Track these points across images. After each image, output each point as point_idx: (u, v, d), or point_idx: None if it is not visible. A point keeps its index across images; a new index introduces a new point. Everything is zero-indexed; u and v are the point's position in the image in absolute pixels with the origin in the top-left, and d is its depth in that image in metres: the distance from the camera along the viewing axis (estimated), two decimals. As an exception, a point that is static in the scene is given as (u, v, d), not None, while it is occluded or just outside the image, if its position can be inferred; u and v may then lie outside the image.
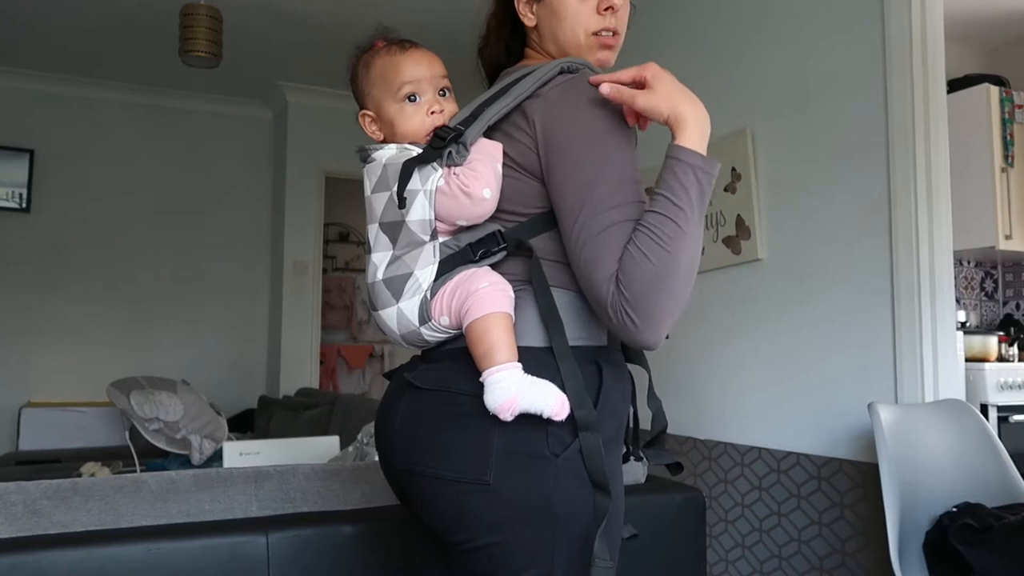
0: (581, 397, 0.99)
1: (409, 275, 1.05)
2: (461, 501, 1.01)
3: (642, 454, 1.21)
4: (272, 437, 3.72)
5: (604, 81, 1.03)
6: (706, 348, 2.96)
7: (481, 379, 0.98)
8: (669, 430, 3.01)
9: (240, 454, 2.35)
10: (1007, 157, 3.24)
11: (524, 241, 1.04)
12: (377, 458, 1.60)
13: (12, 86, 4.63)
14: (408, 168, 1.04)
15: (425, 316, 1.04)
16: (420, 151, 1.06)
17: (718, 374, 2.92)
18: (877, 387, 2.30)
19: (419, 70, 1.10)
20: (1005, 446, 2.09)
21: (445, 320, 1.03)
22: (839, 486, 2.41)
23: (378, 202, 1.08)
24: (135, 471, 2.80)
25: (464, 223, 1.05)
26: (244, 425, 4.54)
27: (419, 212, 1.04)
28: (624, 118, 1.03)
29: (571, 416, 0.99)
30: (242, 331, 5.12)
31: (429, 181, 1.04)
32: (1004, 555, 1.78)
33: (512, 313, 1.01)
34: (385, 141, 1.13)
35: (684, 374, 3.04)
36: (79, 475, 2.91)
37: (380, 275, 1.07)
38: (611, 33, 1.14)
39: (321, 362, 5.36)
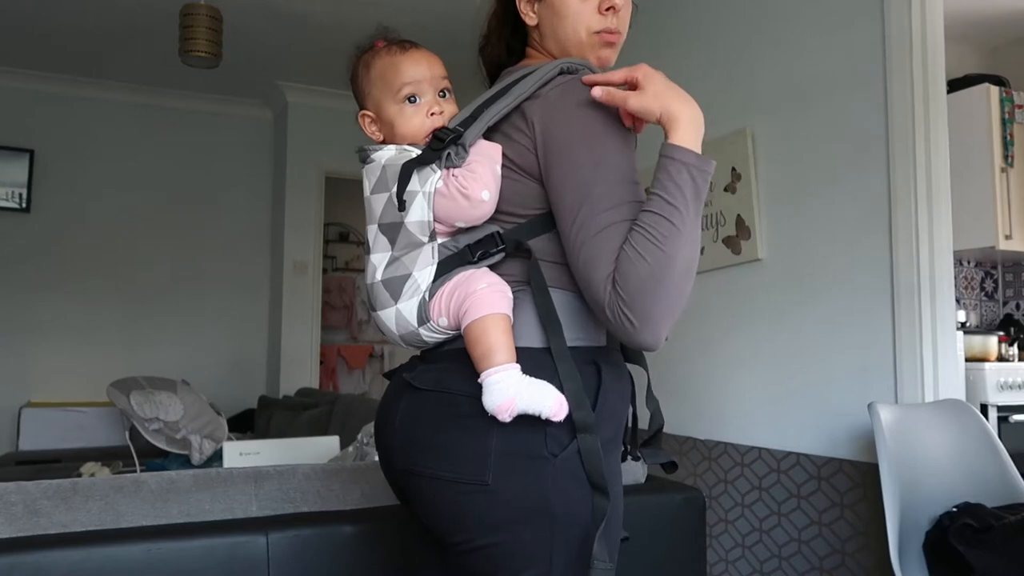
0: (579, 398, 0.99)
1: (408, 276, 1.05)
2: (460, 502, 1.01)
3: (639, 453, 1.21)
4: (272, 437, 3.72)
5: (597, 82, 1.03)
6: (706, 348, 2.96)
7: (479, 380, 0.98)
8: (669, 430, 3.03)
9: (240, 454, 2.35)
10: (1007, 157, 3.24)
11: (523, 242, 1.04)
12: (377, 458, 1.60)
13: (12, 86, 4.63)
14: (407, 170, 1.04)
15: (424, 317, 1.04)
16: (419, 152, 1.06)
17: (718, 374, 2.92)
18: (877, 387, 2.30)
19: (419, 71, 1.10)
20: (1005, 446, 2.09)
21: (444, 321, 1.03)
22: (839, 486, 2.41)
23: (377, 203, 1.08)
24: (135, 471, 2.80)
25: (463, 225, 1.05)
26: (244, 425, 4.54)
27: (418, 214, 1.04)
28: (622, 119, 1.03)
29: (569, 417, 0.99)
30: (242, 331, 5.12)
31: (428, 183, 1.04)
32: (1004, 555, 1.78)
33: (510, 314, 1.01)
34: (385, 142, 1.13)
35: (684, 374, 3.04)
36: (79, 475, 2.91)
37: (379, 276, 1.07)
38: (612, 32, 1.14)
39: (321, 362, 5.36)
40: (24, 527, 1.37)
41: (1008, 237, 3.23)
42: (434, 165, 1.04)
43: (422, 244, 1.05)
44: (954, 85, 3.23)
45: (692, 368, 3.02)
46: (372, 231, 1.09)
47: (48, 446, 4.28)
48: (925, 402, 2.17)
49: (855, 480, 2.36)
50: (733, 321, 2.86)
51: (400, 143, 1.10)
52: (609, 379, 1.06)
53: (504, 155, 1.05)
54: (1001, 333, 3.26)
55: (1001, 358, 3.16)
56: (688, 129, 0.98)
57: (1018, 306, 3.80)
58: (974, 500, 1.97)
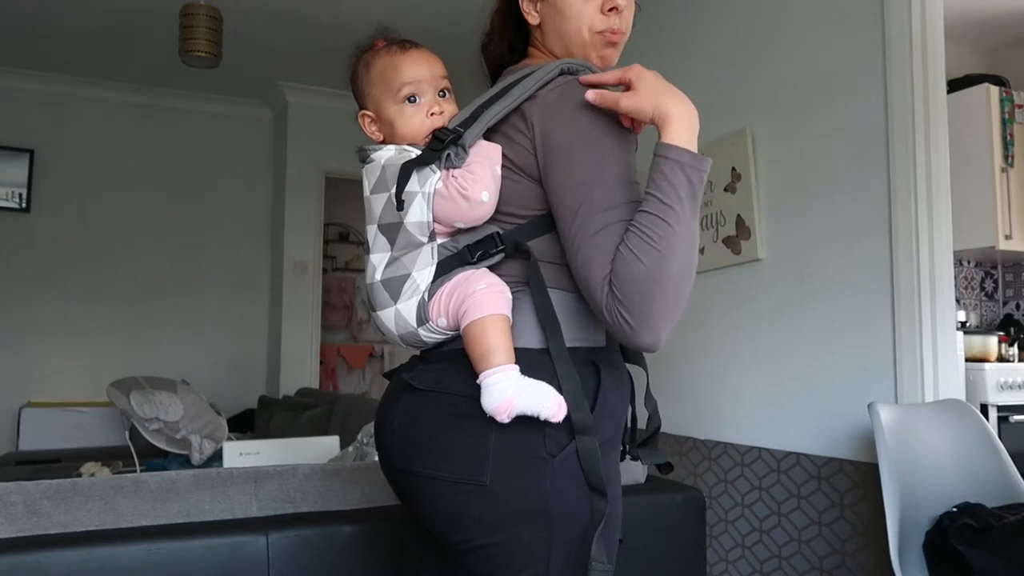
0: (578, 399, 0.99)
1: (407, 276, 1.05)
2: (459, 502, 1.01)
3: (636, 454, 1.21)
4: (272, 437, 3.72)
5: (592, 83, 1.03)
6: (706, 348, 2.96)
7: (478, 381, 0.98)
8: (670, 430, 3.03)
9: (240, 454, 2.35)
10: (1007, 157, 3.24)
11: (522, 243, 1.04)
12: (377, 458, 1.60)
13: (12, 86, 4.63)
14: (406, 170, 1.04)
15: (423, 317, 1.04)
16: (419, 153, 1.06)
17: (718, 374, 2.92)
18: (877, 387, 2.30)
19: (419, 71, 1.10)
20: (1005, 446, 2.09)
21: (443, 322, 1.03)
22: (839, 486, 2.41)
23: (377, 203, 1.08)
24: (135, 471, 2.80)
25: (462, 225, 1.05)
26: (244, 425, 4.54)
27: (417, 214, 1.03)
28: (620, 120, 1.03)
29: (568, 417, 0.98)
30: (242, 331, 5.12)
31: (427, 183, 1.03)
32: (1004, 555, 1.78)
33: (509, 315, 1.01)
34: (384, 142, 1.13)
35: (684, 374, 3.04)
36: (79, 475, 2.91)
37: (378, 276, 1.07)
38: (615, 32, 1.14)
39: (321, 362, 5.36)
40: (24, 527, 1.37)
41: (1008, 237, 3.23)
42: (434, 166, 1.04)
43: (421, 244, 1.05)
44: (954, 85, 3.23)
45: (692, 368, 3.02)
46: (372, 231, 1.09)
47: (48, 446, 4.28)
48: (925, 402, 2.17)
49: (855, 480, 2.36)
50: (733, 321, 2.86)
51: (400, 143, 1.10)
52: (608, 380, 1.06)
53: (504, 156, 1.05)
54: (1001, 333, 3.26)
55: (1001, 358, 3.16)
56: (682, 127, 0.97)
57: (1018, 306, 3.80)
58: (974, 500, 1.97)
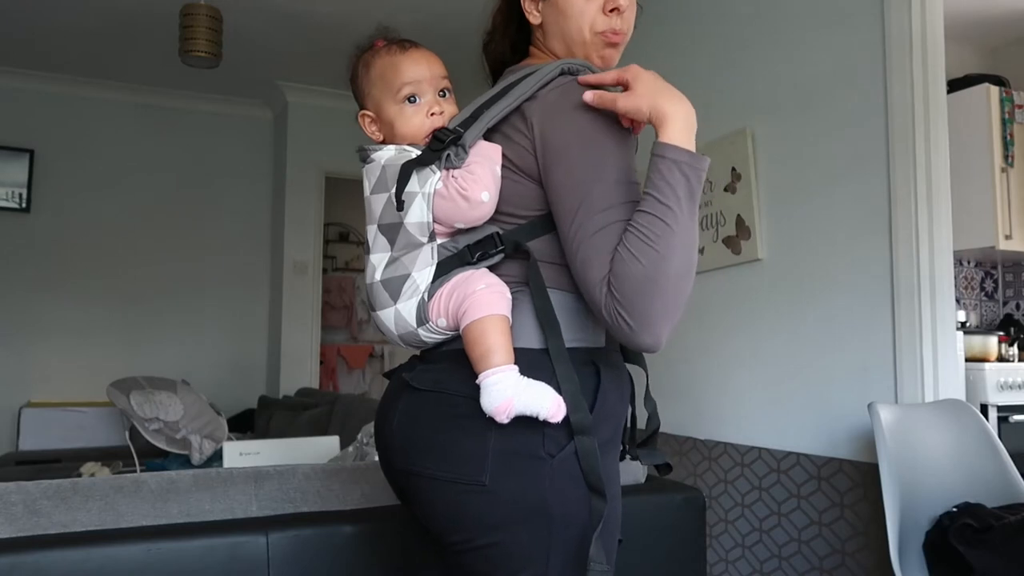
0: (577, 400, 0.99)
1: (407, 276, 1.05)
2: (458, 502, 1.01)
3: (635, 453, 1.21)
4: (272, 437, 3.72)
5: (590, 83, 1.03)
6: (706, 348, 2.96)
7: (477, 381, 0.98)
8: (670, 430, 3.03)
9: (240, 454, 2.35)
10: (1007, 157, 3.24)
11: (522, 244, 1.04)
12: (377, 458, 1.60)
13: (12, 86, 4.63)
14: (406, 170, 1.04)
15: (423, 318, 1.04)
16: (419, 153, 1.06)
17: (718, 374, 2.92)
18: (877, 387, 2.30)
19: (419, 71, 1.10)
20: (1005, 446, 2.09)
21: (443, 322, 1.03)
22: (839, 486, 2.41)
23: (377, 203, 1.08)
24: (135, 471, 2.80)
25: (462, 226, 1.05)
26: (244, 425, 4.54)
27: (417, 214, 1.03)
28: (619, 119, 1.03)
29: (567, 418, 0.98)
30: (242, 331, 5.12)
31: (427, 184, 1.03)
32: (1004, 555, 1.78)
33: (509, 315, 1.01)
34: (385, 142, 1.13)
35: (684, 374, 3.04)
36: (79, 475, 2.91)
37: (378, 276, 1.07)
38: (617, 32, 1.14)
39: (321, 362, 5.36)
40: (24, 527, 1.37)
41: (1008, 237, 3.23)
42: (433, 166, 1.04)
43: (421, 245, 1.05)
44: (954, 85, 3.23)
45: (692, 368, 3.02)
46: (372, 231, 1.09)
47: (48, 446, 4.28)
48: (925, 402, 2.17)
49: (855, 480, 2.36)
50: (733, 321, 2.86)
51: (400, 143, 1.10)
52: (608, 380, 1.06)
53: (504, 156, 1.05)
54: (1001, 333, 3.26)
55: (1001, 358, 3.16)
56: (679, 126, 0.97)
57: (1018, 306, 3.80)
58: (974, 500, 1.97)
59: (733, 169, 2.83)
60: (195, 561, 1.40)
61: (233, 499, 1.53)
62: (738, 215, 2.82)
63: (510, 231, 1.06)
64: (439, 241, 1.05)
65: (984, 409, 2.80)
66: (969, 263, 3.77)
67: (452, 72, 1.15)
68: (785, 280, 2.66)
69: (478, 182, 1.02)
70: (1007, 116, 3.26)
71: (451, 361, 1.04)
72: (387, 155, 1.08)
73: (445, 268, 1.04)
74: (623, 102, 0.99)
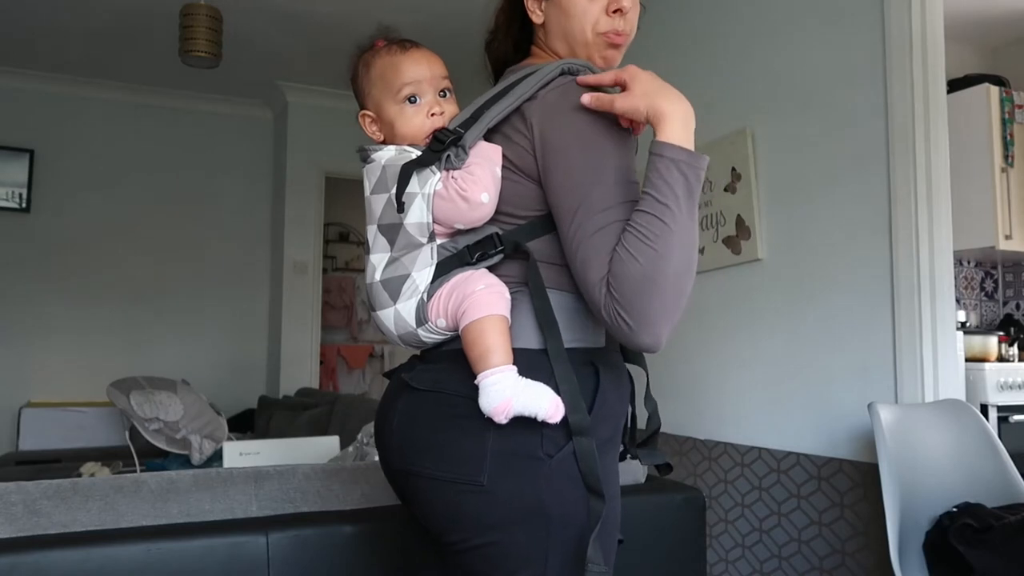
0: (575, 401, 0.99)
1: (407, 277, 1.05)
2: (456, 502, 1.01)
3: (636, 453, 1.21)
4: (272, 437, 3.72)
5: (588, 84, 1.03)
6: (706, 348, 2.96)
7: (476, 382, 0.98)
8: (669, 430, 3.03)
9: (240, 454, 2.35)
10: (1007, 157, 3.24)
11: (521, 244, 1.04)
12: (377, 458, 1.60)
13: (12, 86, 4.63)
14: (406, 171, 1.04)
15: (422, 318, 1.04)
16: (419, 153, 1.06)
17: (718, 374, 2.92)
18: (877, 387, 2.30)
19: (419, 71, 1.10)
20: (1005, 446, 2.09)
21: (442, 322, 1.03)
22: (839, 486, 2.41)
23: (377, 203, 1.08)
24: (135, 471, 2.80)
25: (462, 227, 1.05)
26: (244, 425, 4.54)
27: (417, 215, 1.03)
28: (619, 120, 1.03)
29: (566, 418, 0.98)
30: (242, 331, 5.12)
31: (427, 185, 1.03)
32: (1004, 555, 1.78)
33: (508, 316, 1.01)
34: (385, 142, 1.13)
35: (684, 374, 3.04)
36: (79, 475, 2.91)
37: (378, 276, 1.07)
38: (619, 33, 1.14)
39: (321, 362, 5.36)
40: (24, 527, 1.37)
41: (1008, 237, 3.23)
42: (433, 167, 1.04)
43: (421, 245, 1.05)
44: (954, 85, 3.23)
45: (692, 368, 3.02)
46: (372, 231, 1.09)
47: (48, 446, 4.28)
48: (925, 402, 2.17)
49: (855, 480, 2.36)
50: (733, 321, 2.86)
51: (400, 143, 1.10)
52: (607, 380, 1.06)
53: (504, 156, 1.05)
54: (1001, 333, 3.26)
55: (1001, 358, 3.16)
56: (677, 125, 0.97)
57: (1018, 306, 3.80)
58: (974, 500, 1.97)
59: (733, 169, 2.83)
60: (195, 561, 1.40)
61: (233, 499, 1.53)
62: (738, 215, 2.82)
63: (509, 231, 1.06)
64: (439, 241, 1.05)
65: (984, 409, 2.80)
66: (969, 263, 3.77)
67: (453, 72, 1.15)
68: (785, 280, 2.66)
69: (478, 183, 1.02)
70: (1007, 116, 3.26)
71: (450, 361, 1.04)
72: (387, 155, 1.08)
73: (445, 268, 1.04)
74: (621, 103, 0.99)
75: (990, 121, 3.24)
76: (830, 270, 2.49)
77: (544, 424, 0.98)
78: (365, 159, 1.11)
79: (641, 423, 1.22)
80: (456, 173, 1.03)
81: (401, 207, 1.03)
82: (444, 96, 1.12)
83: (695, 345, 3.00)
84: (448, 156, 1.03)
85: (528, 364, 1.00)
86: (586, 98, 1.01)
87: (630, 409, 1.19)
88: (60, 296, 4.68)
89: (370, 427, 2.19)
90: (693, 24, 3.11)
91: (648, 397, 1.17)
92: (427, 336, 1.06)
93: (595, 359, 1.07)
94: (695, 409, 3.00)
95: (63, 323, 4.68)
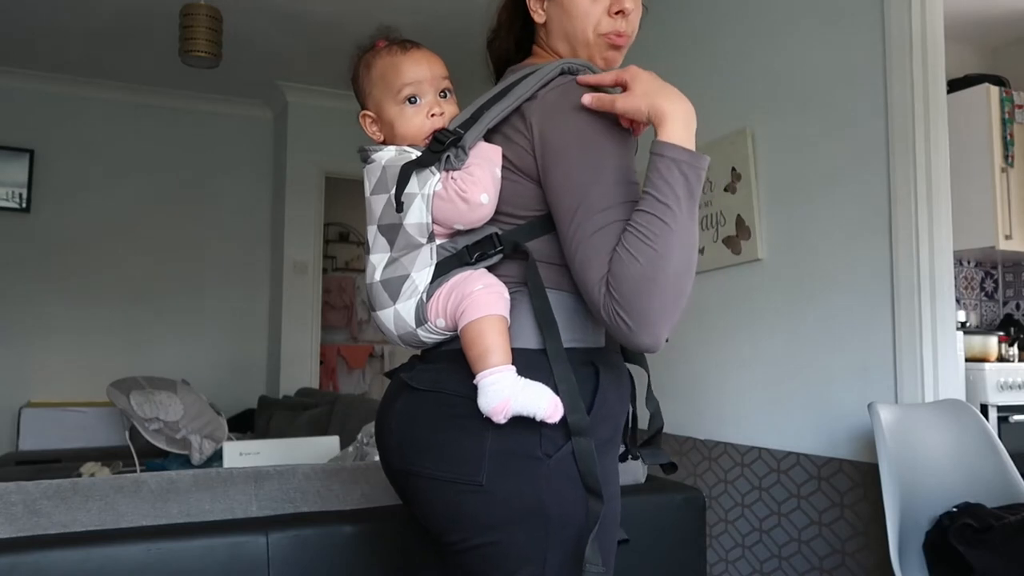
0: (574, 401, 0.99)
1: (406, 277, 1.05)
2: (456, 501, 1.01)
3: (638, 453, 1.21)
4: (272, 437, 3.72)
5: (589, 83, 1.03)
6: (706, 348, 2.96)
7: (475, 382, 0.98)
8: (669, 430, 3.03)
9: (240, 454, 2.35)
10: (1007, 157, 3.24)
11: (520, 244, 1.04)
12: (377, 458, 1.60)
13: (12, 86, 4.63)
14: (406, 172, 1.04)
15: (421, 318, 1.04)
16: (419, 154, 1.06)
17: (718, 374, 2.92)
18: (877, 387, 2.30)
19: (420, 71, 1.10)
20: (1005, 446, 2.09)
21: (441, 322, 1.03)
22: (839, 486, 2.41)
23: (377, 204, 1.08)
24: (135, 471, 2.80)
25: (461, 227, 1.05)
26: (244, 425, 4.54)
27: (416, 216, 1.03)
28: (619, 120, 1.03)
29: (565, 418, 0.98)
30: (242, 331, 5.12)
31: (427, 185, 1.03)
32: (1004, 555, 1.78)
33: (507, 316, 1.01)
34: (385, 142, 1.13)
35: (684, 374, 3.04)
36: (79, 475, 2.91)
37: (378, 276, 1.07)
38: (621, 35, 1.14)
39: (321, 362, 5.36)
40: (24, 527, 1.37)
41: (1008, 237, 3.23)
42: (433, 167, 1.04)
43: (420, 245, 1.05)
44: (954, 85, 3.23)
45: (692, 368, 3.02)
46: (372, 231, 1.09)
47: (48, 446, 4.27)
48: (925, 402, 2.17)
49: (855, 480, 2.36)
50: (733, 321, 2.86)
51: (400, 144, 1.10)
52: (607, 380, 1.06)
53: (504, 156, 1.05)
54: (1001, 333, 3.26)
55: (1001, 358, 3.16)
56: (678, 125, 0.97)
57: (1018, 306, 3.80)
58: (974, 500, 1.97)
59: (733, 169, 2.83)
60: (195, 561, 1.40)
61: (233, 499, 1.53)
62: (738, 215, 2.82)
63: (509, 231, 1.06)
64: (438, 242, 1.05)
65: (984, 409, 2.80)
66: (969, 263, 3.77)
67: (453, 72, 1.15)
68: (785, 280, 2.66)
69: (477, 184, 1.02)
70: (1007, 116, 3.26)
71: (450, 361, 1.04)
72: (387, 156, 1.08)
73: (444, 268, 1.04)
74: (622, 103, 0.99)
75: (990, 121, 3.24)
76: (830, 270, 2.49)
77: (543, 424, 0.98)
78: (365, 159, 1.11)
79: (642, 423, 1.22)
80: (456, 174, 1.03)
81: (400, 207, 1.03)
82: (444, 96, 1.12)
83: (695, 345, 3.00)
84: (448, 157, 1.03)
85: (527, 364, 1.00)
86: (587, 98, 1.01)
87: (630, 409, 1.19)
88: (60, 296, 4.68)
89: (370, 427, 2.19)
90: (693, 24, 3.11)
91: (650, 397, 1.17)
92: (426, 336, 1.06)
93: (595, 359, 1.07)
94: (695, 409, 3.00)
95: (63, 323, 4.68)
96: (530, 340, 1.03)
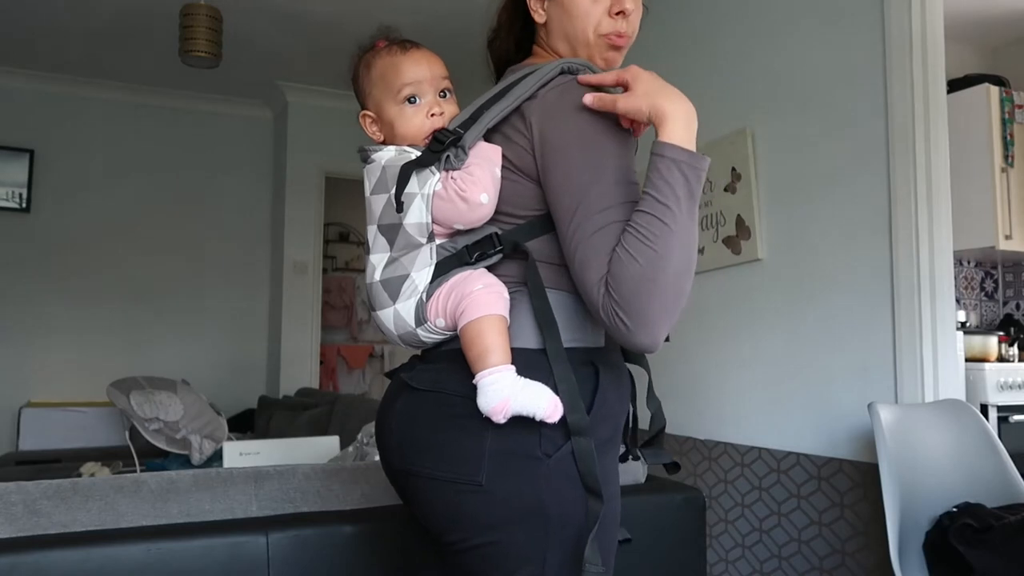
0: (574, 401, 0.99)
1: (406, 277, 1.05)
2: (456, 501, 1.01)
3: (640, 453, 1.21)
4: (272, 437, 3.72)
5: (590, 83, 1.03)
6: (706, 348, 2.96)
7: (474, 381, 0.98)
8: (669, 430, 3.03)
9: (240, 454, 2.35)
10: (1007, 157, 3.24)
11: (520, 244, 1.04)
12: (377, 458, 1.60)
13: (12, 86, 4.63)
14: (406, 172, 1.04)
15: (421, 318, 1.04)
16: (419, 154, 1.06)
17: (718, 374, 2.92)
18: (877, 387, 2.30)
19: (419, 71, 1.10)
20: (1005, 446, 2.09)
21: (441, 322, 1.03)
22: (839, 486, 2.41)
23: (377, 204, 1.08)
24: (135, 471, 2.80)
25: (461, 227, 1.05)
26: (244, 425, 4.54)
27: (416, 216, 1.03)
28: (619, 120, 1.03)
29: (564, 418, 0.98)
30: (242, 331, 5.12)
31: (427, 185, 1.03)
32: (1004, 555, 1.78)
33: (507, 315, 1.01)
34: (385, 142, 1.13)
35: (684, 374, 3.04)
36: (79, 475, 2.91)
37: (378, 276, 1.07)
38: (621, 35, 1.14)
39: (321, 362, 5.36)
40: (24, 527, 1.37)
41: (1008, 237, 3.23)
42: (433, 167, 1.04)
43: (420, 245, 1.05)
44: (954, 85, 3.23)
45: (692, 368, 3.02)
46: (372, 231, 1.09)
47: (48, 446, 4.28)
48: (925, 402, 2.17)
49: (855, 480, 2.36)
50: (733, 321, 2.86)
51: (400, 144, 1.10)
52: (607, 380, 1.06)
53: (503, 156, 1.05)
54: (1001, 333, 3.26)
55: (1001, 358, 3.16)
56: (679, 125, 0.96)
57: (1018, 306, 3.80)
58: (974, 500, 1.97)
59: (733, 169, 2.83)
60: (195, 561, 1.40)
61: (233, 499, 1.53)
62: (738, 215, 2.82)
63: (509, 231, 1.06)
64: (438, 242, 1.05)
65: (984, 409, 2.80)
66: (969, 263, 3.77)
67: (453, 72, 1.15)
68: (785, 280, 2.66)
69: (477, 184, 1.02)
70: (1007, 116, 3.26)
71: (449, 361, 1.04)
72: (387, 156, 1.08)
73: (444, 268, 1.04)
74: (623, 103, 0.98)
75: (990, 121, 3.24)
76: (830, 270, 2.49)
77: (543, 424, 0.98)
78: (365, 159, 1.11)
79: (643, 423, 1.21)
80: (455, 174, 1.03)
81: (400, 207, 1.03)
82: (444, 96, 1.12)
83: (695, 345, 3.00)
84: (447, 157, 1.03)
85: (527, 364, 1.00)
86: (588, 98, 1.01)
87: (631, 409, 1.19)
88: (60, 296, 4.68)
89: (370, 427, 2.19)
90: (693, 24, 3.11)
91: (651, 397, 1.17)
92: (426, 336, 1.06)
93: (595, 359, 1.06)
94: (695, 409, 3.00)
95: (63, 323, 4.68)
96: (530, 340, 1.03)
